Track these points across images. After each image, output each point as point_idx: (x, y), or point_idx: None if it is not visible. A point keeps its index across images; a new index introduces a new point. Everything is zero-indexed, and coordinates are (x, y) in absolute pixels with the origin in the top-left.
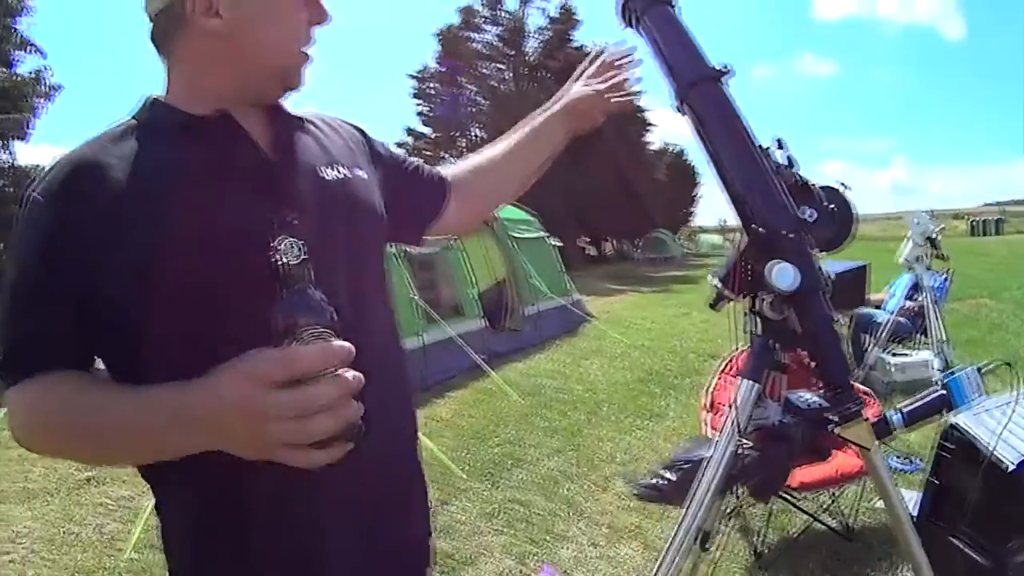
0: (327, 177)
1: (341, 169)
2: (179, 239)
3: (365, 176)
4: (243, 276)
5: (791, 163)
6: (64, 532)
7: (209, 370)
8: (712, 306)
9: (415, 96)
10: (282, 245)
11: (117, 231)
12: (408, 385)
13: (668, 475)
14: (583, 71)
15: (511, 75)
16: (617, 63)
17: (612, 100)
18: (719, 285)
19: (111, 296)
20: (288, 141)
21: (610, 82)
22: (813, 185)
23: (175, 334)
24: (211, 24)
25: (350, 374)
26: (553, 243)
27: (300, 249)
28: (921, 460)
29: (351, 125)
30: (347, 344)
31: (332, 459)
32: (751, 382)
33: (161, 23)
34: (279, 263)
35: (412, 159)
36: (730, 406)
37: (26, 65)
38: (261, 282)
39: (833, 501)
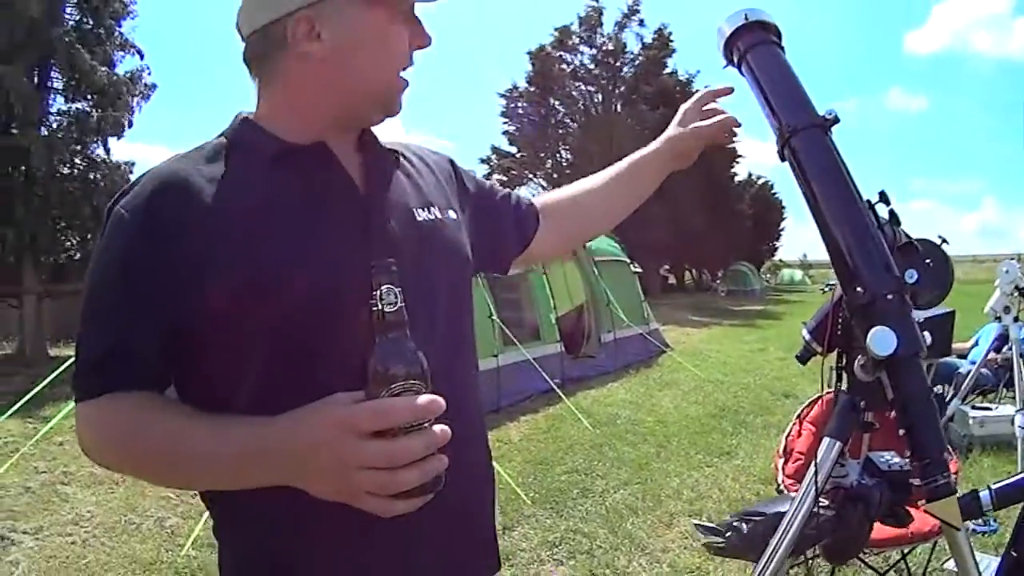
0: (422, 220)
1: (434, 211)
2: (265, 269)
3: (455, 217)
4: (331, 313)
5: (894, 218)
6: (125, 521)
7: (288, 403)
8: (800, 359)
9: (503, 115)
10: (380, 291)
11: (201, 254)
12: (483, 424)
13: (738, 525)
14: (685, 111)
15: (602, 98)
16: (717, 98)
17: (709, 131)
18: (809, 338)
19: (192, 319)
20: (382, 177)
21: (710, 119)
22: (916, 244)
23: (256, 363)
24: (312, 48)
25: (438, 428)
26: (634, 269)
27: (397, 297)
28: (997, 521)
29: (441, 156)
30: (438, 399)
31: (411, 509)
32: (834, 440)
33: (256, 44)
34: (375, 309)
35: (501, 188)
36: (812, 464)
37: (124, 65)
38: (350, 321)
39: (902, 558)
